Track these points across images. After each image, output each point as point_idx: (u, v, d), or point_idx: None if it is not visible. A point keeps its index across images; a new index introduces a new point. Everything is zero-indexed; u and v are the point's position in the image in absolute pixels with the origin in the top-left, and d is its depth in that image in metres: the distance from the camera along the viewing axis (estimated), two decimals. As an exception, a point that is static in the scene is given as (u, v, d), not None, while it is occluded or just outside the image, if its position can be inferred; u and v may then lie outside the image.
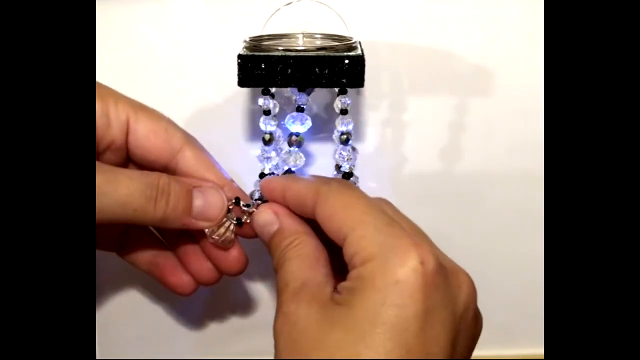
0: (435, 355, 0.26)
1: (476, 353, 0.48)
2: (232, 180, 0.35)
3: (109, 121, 0.32)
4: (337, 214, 0.29)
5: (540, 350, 0.48)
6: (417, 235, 0.30)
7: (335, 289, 0.29)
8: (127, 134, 0.33)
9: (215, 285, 0.46)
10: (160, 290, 0.46)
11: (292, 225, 0.32)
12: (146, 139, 0.33)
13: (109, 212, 0.30)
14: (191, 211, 0.33)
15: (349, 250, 0.28)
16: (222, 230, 0.34)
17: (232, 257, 0.35)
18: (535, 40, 0.40)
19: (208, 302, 0.46)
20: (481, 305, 0.47)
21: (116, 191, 0.30)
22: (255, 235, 0.34)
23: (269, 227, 0.32)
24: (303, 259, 0.30)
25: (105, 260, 0.38)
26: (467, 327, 0.29)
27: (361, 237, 0.28)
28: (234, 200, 0.34)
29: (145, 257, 0.37)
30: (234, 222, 0.34)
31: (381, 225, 0.28)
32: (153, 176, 0.31)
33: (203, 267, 0.36)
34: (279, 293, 0.30)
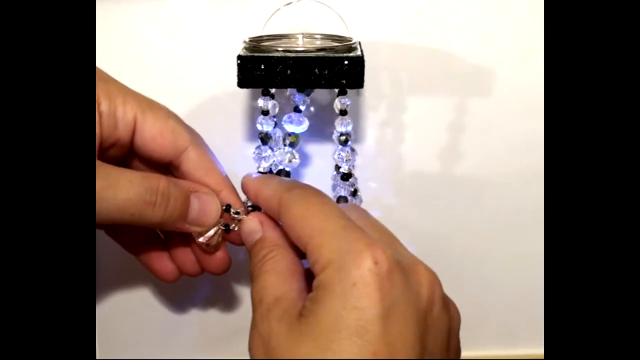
0: (403, 353, 0.26)
1: (476, 353, 0.48)
2: (230, 184, 0.35)
3: (115, 122, 0.32)
4: (297, 224, 0.30)
5: (540, 350, 0.48)
6: (380, 237, 0.30)
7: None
8: (133, 132, 0.33)
9: (216, 285, 0.46)
10: (160, 291, 0.46)
11: (274, 236, 0.32)
12: (152, 140, 0.33)
13: (107, 215, 0.30)
14: (187, 216, 0.33)
15: (310, 260, 0.29)
16: (210, 234, 0.34)
17: (217, 257, 0.36)
18: (535, 40, 0.40)
19: (208, 302, 0.46)
20: (481, 305, 0.47)
21: (115, 196, 0.30)
22: (241, 243, 0.34)
23: (253, 235, 0.33)
24: (278, 273, 0.30)
25: (105, 260, 0.38)
26: (436, 321, 0.29)
27: (319, 245, 0.28)
28: (224, 207, 0.34)
29: (133, 240, 0.38)
30: (222, 228, 0.34)
31: (338, 231, 0.28)
32: (153, 180, 0.31)
33: (188, 259, 0.37)
34: (253, 309, 0.30)
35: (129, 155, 0.34)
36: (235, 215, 0.34)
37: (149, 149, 0.33)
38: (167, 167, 0.35)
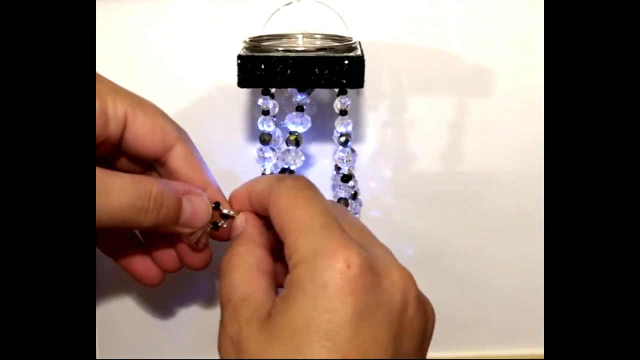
0: (375, 356, 0.26)
1: (476, 353, 0.48)
2: (214, 182, 0.35)
3: (106, 120, 0.32)
4: (282, 214, 0.29)
5: (540, 350, 0.48)
6: (357, 237, 0.29)
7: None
8: (123, 130, 0.33)
9: (215, 284, 0.46)
10: (160, 291, 0.46)
11: (251, 233, 0.32)
12: (143, 137, 0.33)
13: (99, 222, 0.30)
14: (179, 220, 0.33)
15: (286, 253, 0.28)
16: (198, 233, 0.34)
17: (201, 253, 0.36)
18: (535, 40, 0.40)
19: (208, 302, 0.47)
20: (481, 305, 0.47)
21: (107, 203, 0.30)
22: (226, 239, 0.34)
23: (236, 231, 0.33)
24: (244, 269, 0.30)
25: (105, 260, 0.38)
26: (412, 321, 0.28)
27: (295, 239, 0.28)
28: (213, 205, 0.34)
29: (111, 242, 0.37)
30: (211, 226, 0.34)
31: (317, 228, 0.28)
32: (145, 185, 0.31)
33: (167, 255, 0.37)
34: (221, 307, 0.29)
35: (115, 152, 0.34)
36: (226, 212, 0.34)
37: (138, 145, 0.33)
38: (153, 164, 0.35)
